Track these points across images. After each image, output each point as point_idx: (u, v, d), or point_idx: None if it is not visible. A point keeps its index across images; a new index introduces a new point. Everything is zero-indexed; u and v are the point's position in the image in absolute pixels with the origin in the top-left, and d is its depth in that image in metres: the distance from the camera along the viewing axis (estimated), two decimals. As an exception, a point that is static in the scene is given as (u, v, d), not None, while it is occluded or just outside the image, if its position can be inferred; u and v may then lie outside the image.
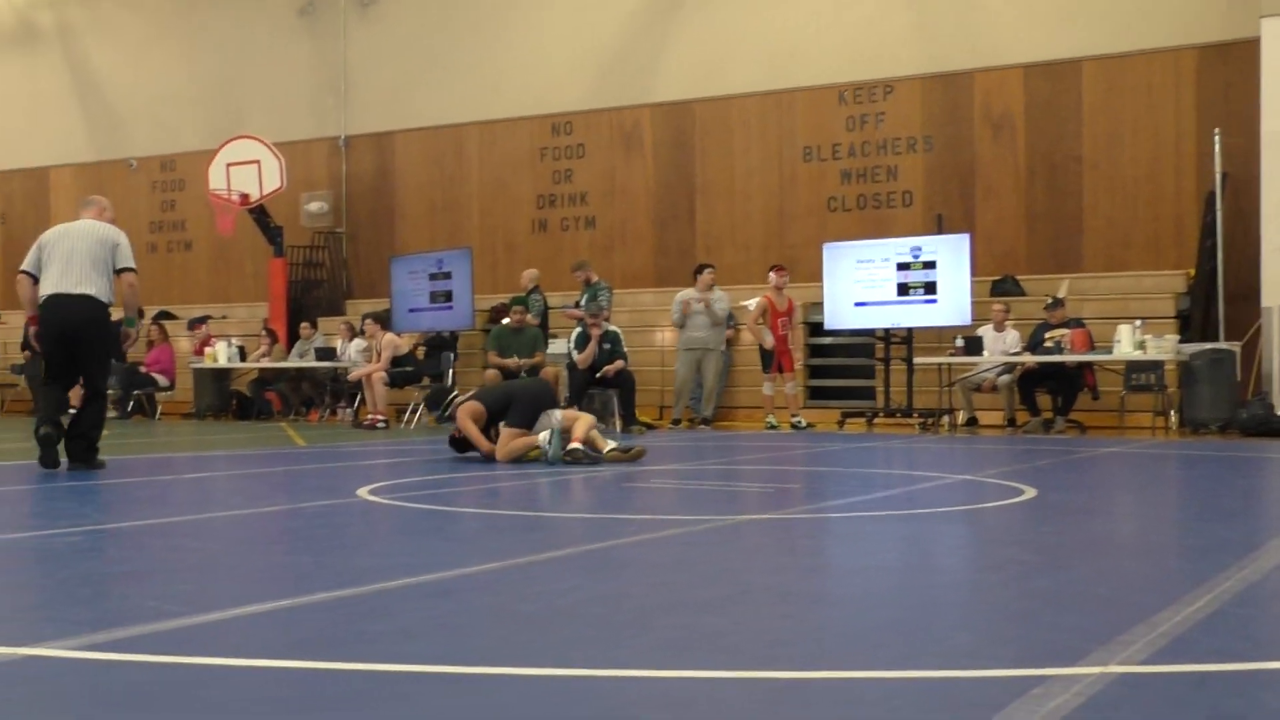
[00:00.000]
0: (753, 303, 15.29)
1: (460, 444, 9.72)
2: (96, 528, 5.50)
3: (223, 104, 21.50)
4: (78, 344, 8.33)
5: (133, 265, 8.58)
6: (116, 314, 8.68)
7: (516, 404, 9.07)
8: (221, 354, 17.73)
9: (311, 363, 17.11)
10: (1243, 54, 14.61)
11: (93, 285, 8.32)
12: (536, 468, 8.54)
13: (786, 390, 14.77)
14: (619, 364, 14.22)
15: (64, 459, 8.32)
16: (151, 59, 22.34)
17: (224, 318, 20.63)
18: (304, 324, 17.93)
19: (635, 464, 8.72)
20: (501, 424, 9.04)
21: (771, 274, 14.95)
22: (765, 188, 17.61)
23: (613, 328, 14.68)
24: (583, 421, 9.03)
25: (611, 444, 9.02)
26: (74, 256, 8.36)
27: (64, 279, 8.28)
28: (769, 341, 14.66)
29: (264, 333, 18.16)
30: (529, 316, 15.32)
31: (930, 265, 14.20)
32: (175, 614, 3.38)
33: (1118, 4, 15.68)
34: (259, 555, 4.84)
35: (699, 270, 15.34)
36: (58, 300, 8.27)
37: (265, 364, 17.66)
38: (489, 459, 8.97)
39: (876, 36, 16.90)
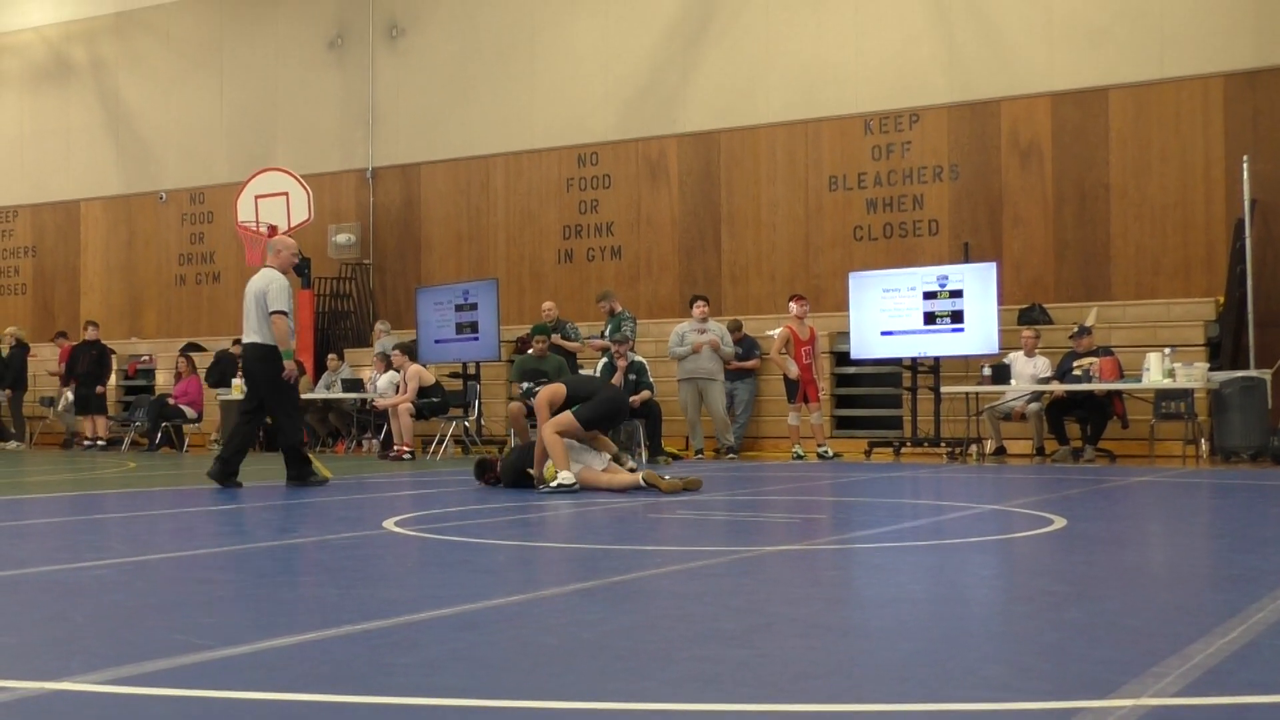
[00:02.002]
0: (776, 332, 15.26)
1: (483, 471, 9.74)
2: (123, 561, 5.51)
3: (252, 136, 21.69)
4: (253, 384, 10.00)
5: (278, 308, 9.74)
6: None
7: (598, 400, 9.22)
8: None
9: (338, 394, 17.16)
10: (1271, 81, 14.57)
11: (255, 332, 9.80)
12: (561, 499, 8.53)
13: (812, 420, 14.72)
14: (645, 394, 14.21)
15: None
16: (182, 92, 22.56)
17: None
18: (331, 355, 18.00)
19: (693, 493, 8.82)
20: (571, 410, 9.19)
21: (792, 304, 14.92)
22: (791, 217, 17.61)
23: (638, 358, 14.68)
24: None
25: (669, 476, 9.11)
26: (246, 306, 9.93)
27: (244, 327, 9.97)
28: (793, 371, 14.61)
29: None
30: (565, 343, 15.34)
31: (957, 294, 14.16)
32: (201, 647, 3.37)
33: (1144, 32, 15.65)
34: (285, 588, 4.84)
35: (694, 301, 15.31)
36: (241, 347, 10.24)
37: (293, 395, 17.71)
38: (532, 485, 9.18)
39: (903, 65, 16.91)
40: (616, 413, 9.46)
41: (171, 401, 18.54)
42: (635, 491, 8.88)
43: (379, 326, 18.81)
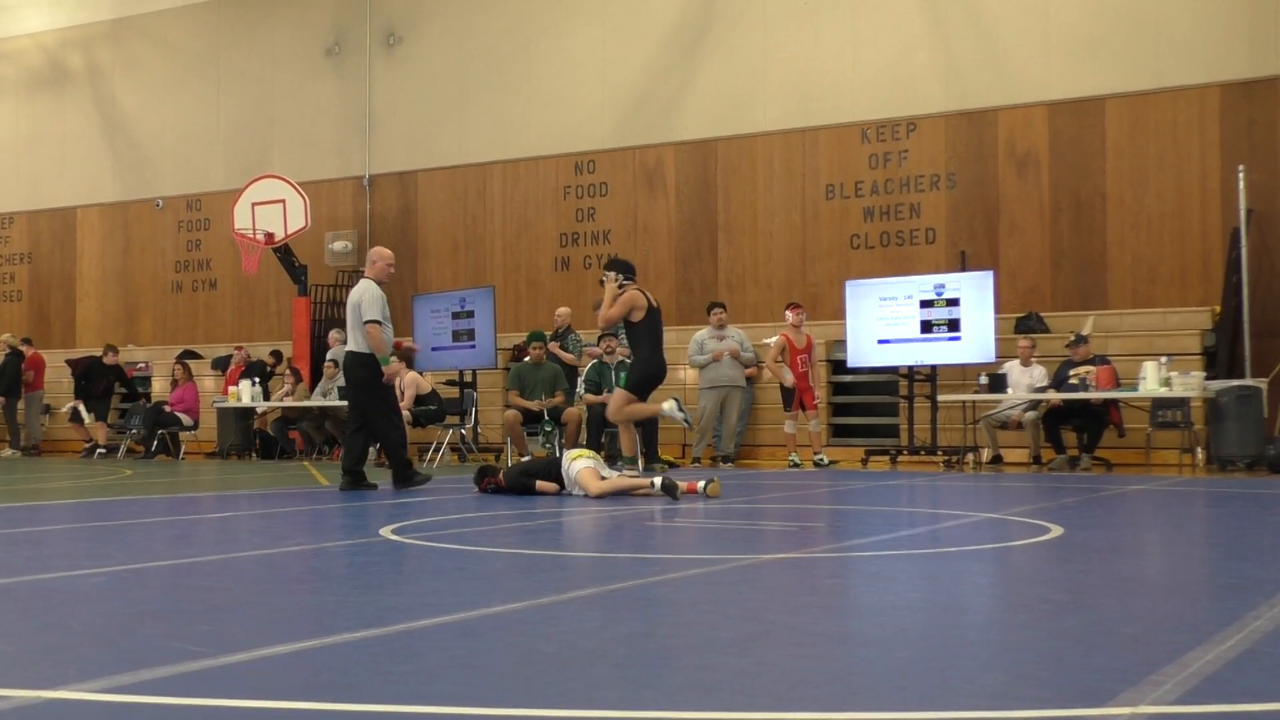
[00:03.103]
0: (772, 340, 15.27)
1: (482, 477, 9.76)
2: (120, 568, 5.51)
3: (249, 144, 21.70)
4: (351, 391, 10.58)
5: (371, 317, 10.22)
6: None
7: (634, 369, 10.73)
8: (245, 393, 17.78)
9: (335, 401, 17.15)
10: (1266, 91, 14.61)
11: (352, 341, 10.41)
12: (558, 507, 8.53)
13: (810, 428, 14.73)
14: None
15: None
16: (179, 99, 22.56)
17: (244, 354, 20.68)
18: (328, 363, 17.99)
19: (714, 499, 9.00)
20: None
21: (788, 312, 14.94)
22: (788, 225, 17.62)
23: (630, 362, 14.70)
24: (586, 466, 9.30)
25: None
26: (347, 317, 10.54)
27: (347, 337, 10.60)
28: (789, 380, 14.63)
29: (288, 372, 18.22)
30: (564, 353, 15.33)
31: (954, 303, 14.17)
32: (198, 655, 3.37)
33: (1141, 42, 15.69)
34: (282, 595, 4.83)
35: (711, 309, 15.36)
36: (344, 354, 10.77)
37: (289, 403, 17.71)
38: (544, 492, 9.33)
39: (900, 74, 16.94)
40: (656, 372, 10.49)
41: (168, 409, 18.53)
42: (652, 497, 8.91)
43: (333, 334, 18.82)
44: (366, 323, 10.22)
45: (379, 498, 9.70)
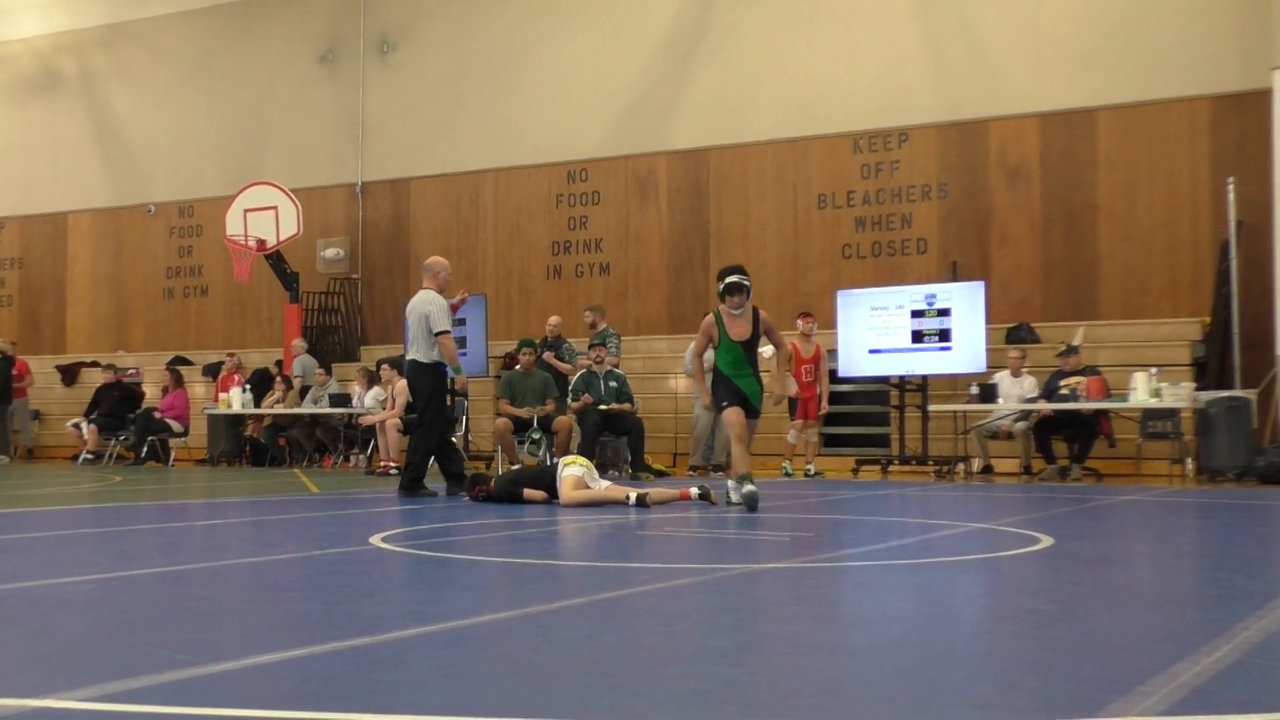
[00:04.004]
0: (767, 350, 15.23)
1: (473, 485, 9.74)
2: (108, 576, 5.49)
3: (242, 150, 21.68)
4: (415, 398, 10.90)
5: (442, 328, 10.56)
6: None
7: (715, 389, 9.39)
8: (235, 400, 17.74)
9: (325, 409, 17.12)
10: (1256, 104, 14.65)
11: (416, 350, 10.71)
12: (548, 515, 8.52)
13: (808, 437, 14.71)
14: (625, 406, 14.24)
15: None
16: (172, 105, 22.55)
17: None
18: (318, 370, 17.96)
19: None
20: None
21: (799, 321, 14.89)
22: (780, 235, 17.64)
23: (619, 371, 14.73)
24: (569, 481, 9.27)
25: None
26: (409, 326, 10.85)
27: (408, 346, 10.90)
28: (793, 390, 14.62)
29: (278, 379, 18.20)
30: (560, 363, 15.33)
31: (945, 313, 14.19)
32: (186, 663, 3.36)
33: (1132, 54, 15.74)
34: (271, 603, 4.82)
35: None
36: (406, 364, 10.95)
37: (279, 410, 17.68)
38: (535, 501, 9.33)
39: (892, 85, 16.98)
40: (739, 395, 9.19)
41: (158, 415, 18.48)
42: (629, 507, 8.92)
43: (296, 344, 18.84)
44: (439, 334, 10.52)
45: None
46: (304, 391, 17.95)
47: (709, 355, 9.61)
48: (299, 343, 18.90)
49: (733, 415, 8.96)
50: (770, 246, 17.63)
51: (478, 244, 19.79)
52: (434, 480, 11.17)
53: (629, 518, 8.30)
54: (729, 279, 9.07)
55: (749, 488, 8.69)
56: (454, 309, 11.07)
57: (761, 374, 9.33)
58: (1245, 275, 14.24)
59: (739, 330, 9.03)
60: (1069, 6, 16.15)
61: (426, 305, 10.65)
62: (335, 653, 3.57)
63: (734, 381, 9.00)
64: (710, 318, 9.22)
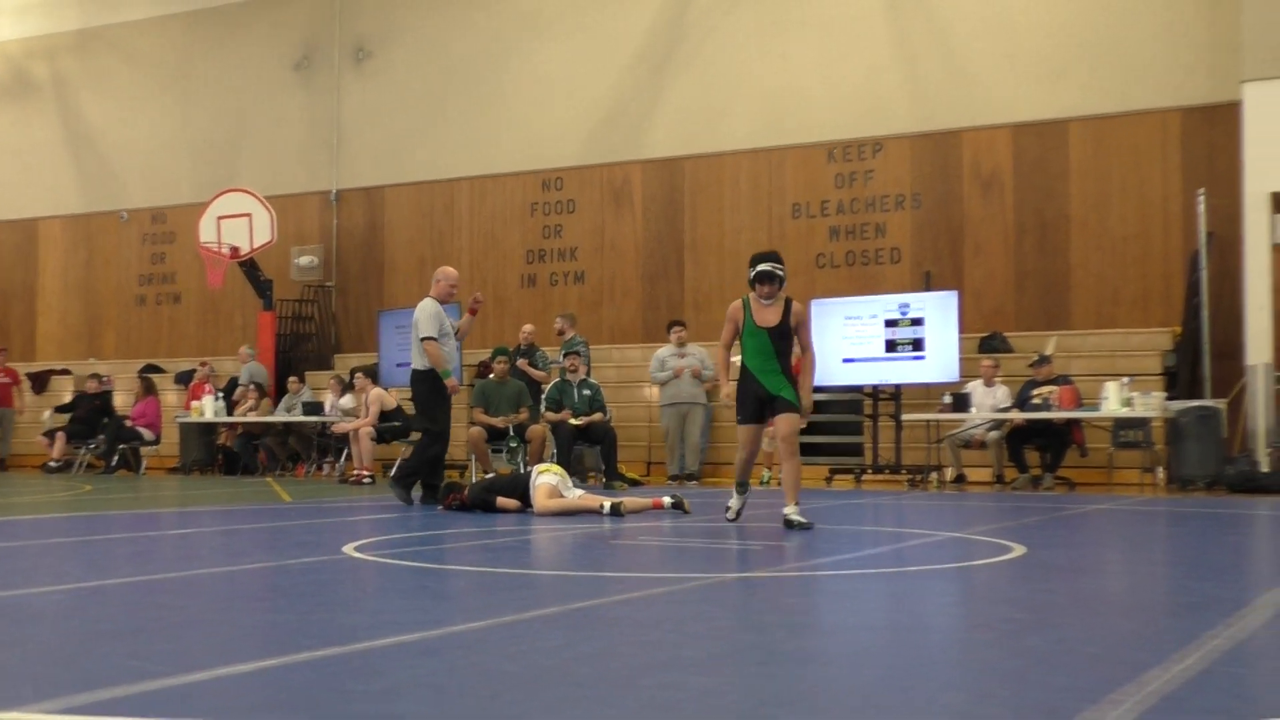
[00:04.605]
0: (738, 358, 15.22)
1: (446, 494, 9.72)
2: (78, 586, 5.45)
3: (215, 157, 21.60)
4: (415, 405, 11.08)
5: (426, 334, 10.62)
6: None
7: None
8: (208, 408, 17.65)
9: (299, 417, 17.05)
10: (1226, 117, 14.79)
11: (411, 357, 10.91)
12: (522, 524, 8.51)
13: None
14: (598, 416, 14.25)
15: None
16: (145, 111, 22.45)
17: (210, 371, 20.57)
18: (292, 378, 17.89)
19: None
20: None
21: None
22: (755, 244, 17.63)
23: (593, 380, 14.74)
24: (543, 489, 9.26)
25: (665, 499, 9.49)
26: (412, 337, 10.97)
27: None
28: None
29: (251, 386, 18.12)
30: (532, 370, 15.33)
31: (918, 322, 14.25)
32: (157, 674, 3.34)
33: (1104, 66, 15.85)
34: (243, 613, 4.80)
35: (671, 327, 15.39)
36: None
37: (252, 418, 17.60)
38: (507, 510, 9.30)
39: (866, 95, 17.05)
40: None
41: (129, 423, 18.37)
42: (604, 516, 8.91)
43: (243, 351, 18.83)
44: (424, 339, 10.63)
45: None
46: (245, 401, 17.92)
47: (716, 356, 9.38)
48: (246, 350, 18.92)
49: (743, 434, 8.26)
50: (745, 256, 17.53)
51: (452, 252, 19.76)
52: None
53: (603, 526, 8.30)
54: (760, 266, 8.24)
55: (731, 502, 8.40)
56: (472, 312, 11.16)
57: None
58: (1215, 286, 14.35)
59: (767, 317, 8.25)
60: (1042, 19, 16.26)
61: (419, 312, 10.82)
62: (308, 663, 3.56)
63: (759, 380, 8.15)
64: (737, 303, 8.39)
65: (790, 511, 7.98)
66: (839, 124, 17.23)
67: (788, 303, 8.30)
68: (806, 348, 8.53)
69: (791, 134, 17.52)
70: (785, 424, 8.08)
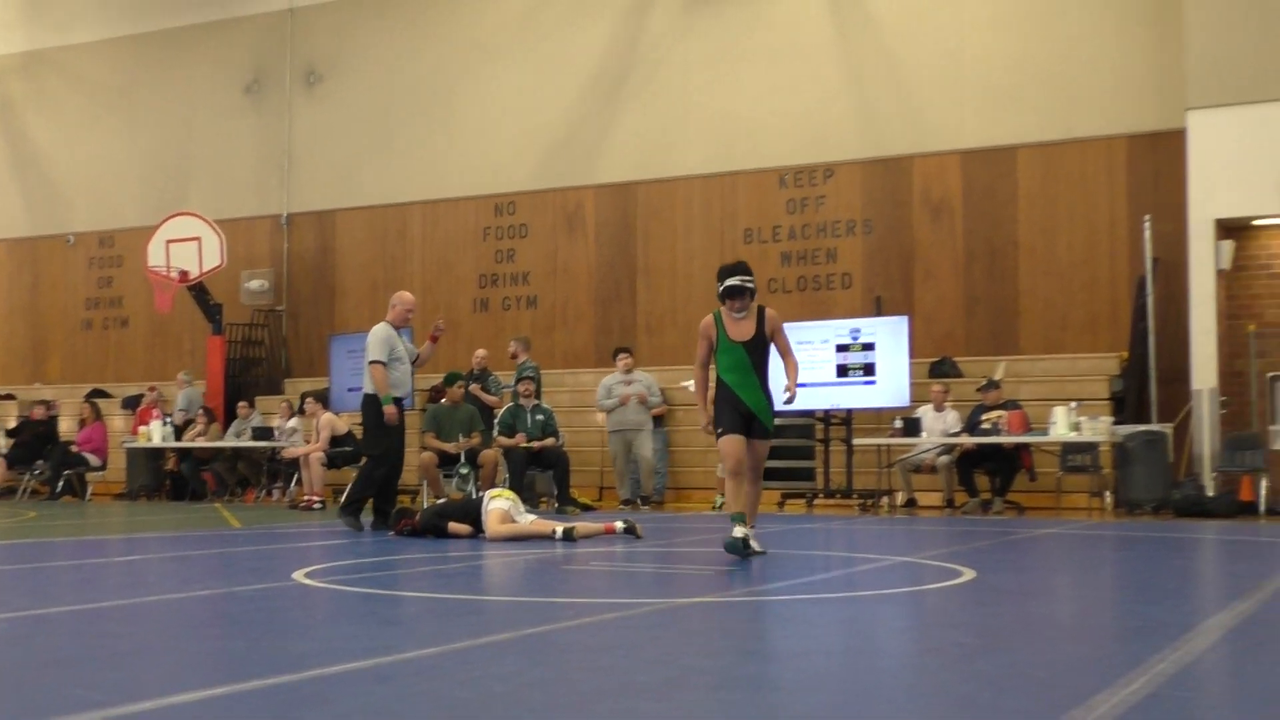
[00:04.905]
0: (691, 384, 15.23)
1: (397, 519, 9.68)
2: (21, 614, 5.38)
3: (164, 180, 21.44)
4: (363, 428, 11.05)
5: (373, 357, 10.61)
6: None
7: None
8: (156, 433, 17.46)
9: (248, 442, 16.91)
10: (1170, 144, 15.01)
11: (364, 381, 10.86)
12: (474, 550, 8.48)
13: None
14: (550, 441, 14.23)
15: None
16: (93, 134, 22.27)
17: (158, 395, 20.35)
18: (242, 403, 17.74)
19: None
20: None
21: None
22: (707, 269, 17.70)
23: (546, 405, 14.72)
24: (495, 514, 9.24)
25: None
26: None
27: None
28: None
29: (200, 411, 17.96)
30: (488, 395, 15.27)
31: (869, 347, 14.33)
32: (103, 704, 3.30)
33: (1051, 94, 16.05)
34: (191, 641, 4.75)
35: (618, 354, 15.40)
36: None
37: (201, 443, 17.44)
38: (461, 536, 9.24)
39: (818, 121, 17.17)
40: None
41: (75, 449, 18.14)
42: (556, 541, 8.89)
43: (180, 376, 18.70)
44: (370, 363, 10.60)
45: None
46: (183, 426, 17.78)
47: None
48: (182, 375, 18.82)
49: (728, 445, 7.68)
50: (697, 280, 17.70)
51: (404, 276, 19.69)
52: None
53: (555, 551, 8.27)
54: (729, 281, 7.73)
55: (735, 532, 7.52)
56: (433, 339, 11.15)
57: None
58: (1161, 311, 14.54)
59: (741, 330, 7.81)
60: (990, 47, 16.46)
61: (371, 336, 10.80)
62: (258, 691, 3.52)
63: (737, 395, 7.74)
64: (709, 318, 7.91)
65: (746, 534, 7.60)
66: (791, 150, 17.35)
67: (761, 312, 7.88)
68: (786, 353, 8.15)
69: (744, 159, 17.62)
70: (760, 451, 7.87)
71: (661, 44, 18.21)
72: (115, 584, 6.92)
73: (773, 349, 8.04)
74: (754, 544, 7.70)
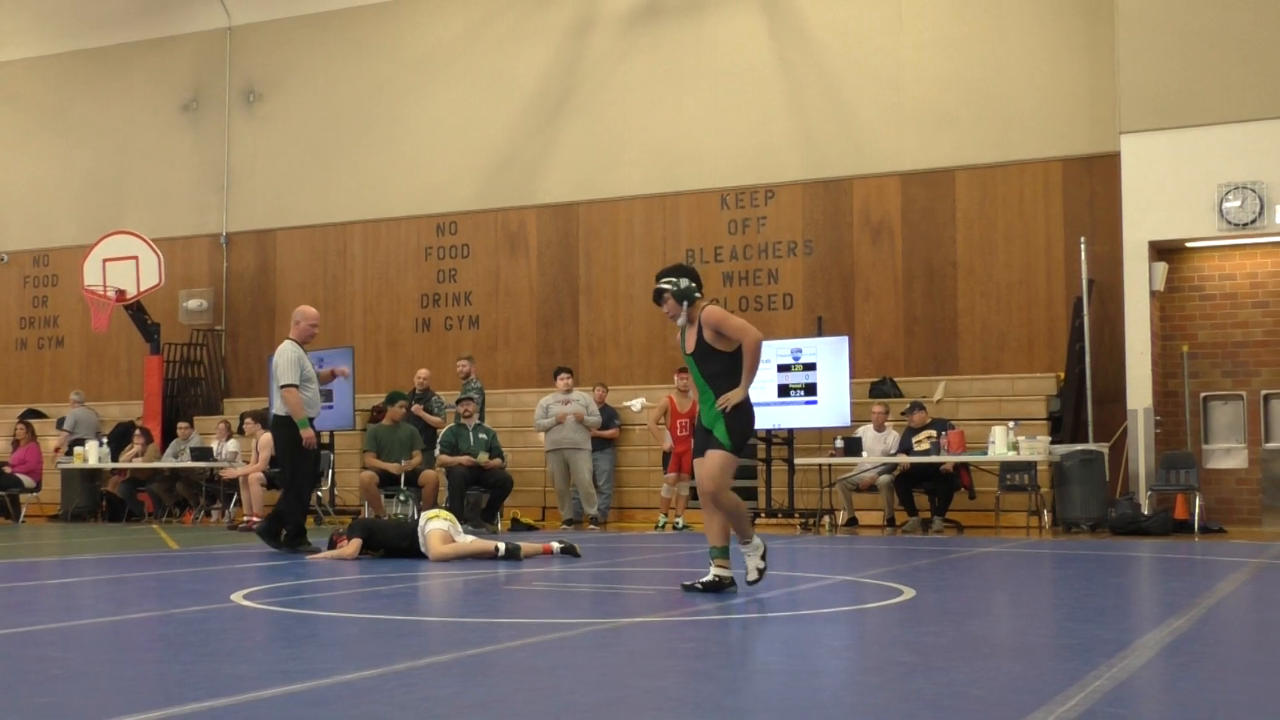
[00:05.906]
0: (636, 403, 15.32)
1: (333, 544, 9.62)
2: (-46, 636, 5.28)
3: (101, 198, 21.19)
4: (276, 451, 11.07)
5: (285, 381, 10.27)
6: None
7: (731, 428, 7.02)
8: (91, 454, 17.23)
9: (186, 463, 16.72)
10: (1105, 167, 15.25)
11: (273, 403, 10.93)
12: (414, 570, 8.43)
13: (679, 491, 14.68)
14: (496, 461, 14.20)
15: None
16: (27, 152, 21.97)
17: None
18: (181, 423, 17.54)
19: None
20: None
21: (676, 376, 14.91)
22: (648, 289, 17.62)
23: (488, 426, 14.68)
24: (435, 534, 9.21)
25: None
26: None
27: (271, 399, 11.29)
28: (666, 443, 14.67)
29: (137, 432, 17.74)
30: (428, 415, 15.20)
31: (810, 367, 14.41)
32: (36, 728, 3.25)
33: (988, 117, 16.26)
34: (127, 664, 4.69)
35: (558, 374, 15.41)
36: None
37: (138, 464, 17.22)
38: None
39: (759, 142, 17.28)
40: (746, 428, 7.10)
41: (8, 470, 17.85)
42: (500, 560, 8.86)
43: (73, 396, 18.53)
44: (283, 387, 10.25)
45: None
46: (74, 444, 17.61)
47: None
48: (74, 395, 18.64)
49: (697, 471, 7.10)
50: (639, 300, 17.73)
51: (345, 296, 19.59)
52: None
53: (497, 572, 8.25)
54: (655, 287, 7.24)
55: (712, 571, 6.99)
56: (324, 380, 11.01)
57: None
58: (1097, 332, 14.74)
59: (687, 341, 7.18)
60: (927, 70, 16.64)
61: (278, 357, 10.46)
62: (195, 714, 3.49)
63: (700, 411, 7.14)
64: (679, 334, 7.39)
65: (718, 574, 6.97)
66: (732, 171, 17.44)
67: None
68: (741, 333, 7.08)
69: (685, 180, 17.68)
70: (708, 465, 6.91)
71: (603, 65, 18.27)
72: (49, 607, 6.81)
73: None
74: (751, 566, 7.05)
